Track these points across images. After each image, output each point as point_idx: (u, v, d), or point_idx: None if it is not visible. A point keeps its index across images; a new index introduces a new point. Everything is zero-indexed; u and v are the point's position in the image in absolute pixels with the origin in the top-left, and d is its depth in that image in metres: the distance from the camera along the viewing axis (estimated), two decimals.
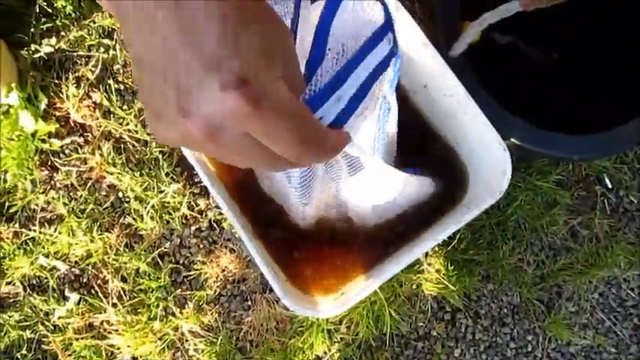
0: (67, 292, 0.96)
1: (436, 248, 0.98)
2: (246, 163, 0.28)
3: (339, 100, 0.41)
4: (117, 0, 0.25)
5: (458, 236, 0.97)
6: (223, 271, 0.97)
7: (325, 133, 0.31)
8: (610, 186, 1.05)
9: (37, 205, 0.97)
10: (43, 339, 0.96)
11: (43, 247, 0.96)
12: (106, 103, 0.97)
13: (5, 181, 0.96)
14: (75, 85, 0.97)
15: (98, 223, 0.96)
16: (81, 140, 0.98)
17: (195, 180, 0.97)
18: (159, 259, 0.97)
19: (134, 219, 0.96)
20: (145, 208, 0.96)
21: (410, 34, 0.62)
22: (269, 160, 0.28)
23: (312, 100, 0.39)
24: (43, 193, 0.97)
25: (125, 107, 0.98)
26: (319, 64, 0.44)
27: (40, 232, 0.97)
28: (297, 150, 0.28)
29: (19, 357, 0.96)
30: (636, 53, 0.87)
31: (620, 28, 0.86)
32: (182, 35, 0.24)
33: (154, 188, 0.96)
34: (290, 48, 0.29)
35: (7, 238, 0.97)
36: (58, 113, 0.97)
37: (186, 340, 0.96)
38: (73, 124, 0.98)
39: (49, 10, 0.97)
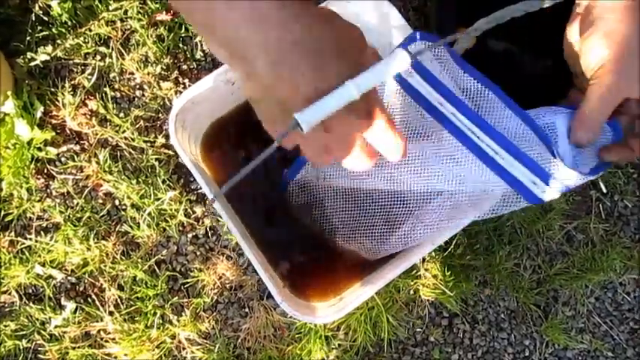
0: (63, 301, 0.96)
1: (433, 254, 0.98)
2: (350, 156, 0.41)
3: None
4: (246, 64, 0.35)
5: (454, 242, 0.97)
6: (220, 278, 0.96)
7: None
8: (605, 190, 1.05)
9: (32, 213, 0.97)
10: (40, 348, 0.96)
11: (39, 256, 0.96)
12: (102, 110, 0.97)
13: (1, 189, 0.96)
14: (71, 93, 0.97)
15: (94, 231, 0.96)
16: (77, 148, 0.98)
17: (192, 187, 0.97)
18: (156, 267, 0.96)
19: (131, 227, 0.96)
20: (142, 215, 0.96)
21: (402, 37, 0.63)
22: (364, 155, 0.42)
23: None
24: (39, 201, 0.97)
25: (121, 115, 0.98)
26: None
27: (36, 241, 0.96)
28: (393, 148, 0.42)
29: None
30: None
31: None
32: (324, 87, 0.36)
33: (150, 196, 0.96)
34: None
35: (3, 247, 0.96)
36: (54, 121, 0.97)
37: (184, 348, 0.96)
38: (69, 132, 0.98)
39: (45, 19, 0.97)
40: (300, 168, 0.64)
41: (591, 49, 0.53)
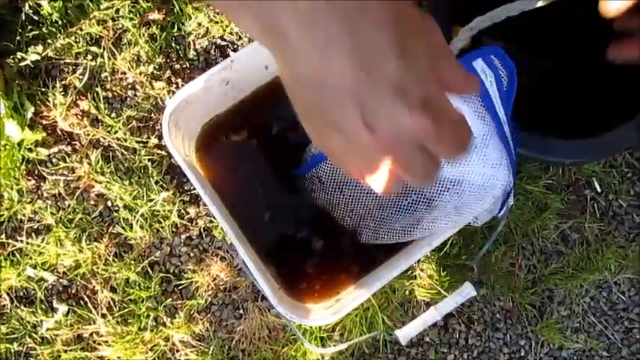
0: (55, 304, 0.95)
1: (428, 254, 0.97)
2: (407, 173, 0.31)
3: None
4: (276, 32, 0.27)
5: (450, 242, 0.97)
6: (214, 279, 0.95)
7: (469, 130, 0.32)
8: (599, 190, 1.05)
9: (24, 215, 0.95)
10: (31, 352, 0.95)
11: (31, 258, 0.95)
12: (93, 111, 0.96)
13: None
14: (62, 94, 0.96)
15: (87, 233, 0.95)
16: (68, 149, 0.97)
17: (185, 188, 0.96)
18: (149, 269, 0.95)
19: (123, 228, 0.95)
20: (135, 216, 0.95)
21: None
22: (426, 169, 0.31)
23: None
24: (30, 202, 0.95)
25: (113, 115, 0.96)
26: None
27: (28, 243, 0.95)
28: (462, 151, 0.30)
29: None
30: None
31: (609, 36, 0.87)
32: (363, 62, 0.27)
33: (143, 197, 0.95)
34: (448, 50, 0.31)
35: None
36: (45, 122, 0.96)
37: (177, 351, 0.95)
38: (60, 133, 0.97)
39: (36, 18, 0.96)
40: (319, 162, 0.64)
41: None
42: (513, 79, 0.62)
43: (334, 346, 0.76)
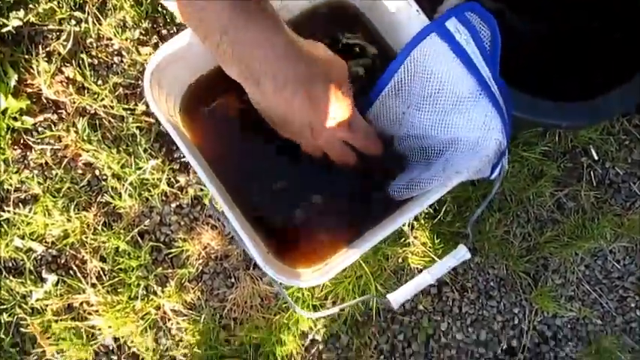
0: (44, 274, 0.94)
1: (422, 221, 0.96)
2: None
3: None
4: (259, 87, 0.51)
5: (444, 209, 0.96)
6: (205, 248, 0.94)
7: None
8: (596, 157, 1.04)
9: (10, 185, 0.94)
10: (22, 322, 0.94)
11: (18, 229, 0.93)
12: (79, 78, 0.94)
13: None
14: (46, 60, 0.94)
15: (75, 203, 0.93)
16: (54, 117, 0.94)
17: (175, 156, 0.94)
18: (138, 238, 0.94)
19: (112, 197, 0.93)
20: (123, 185, 0.93)
21: None
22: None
23: None
24: (16, 172, 0.94)
25: (100, 82, 0.94)
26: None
27: (15, 213, 0.93)
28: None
29: None
30: (621, 22, 0.85)
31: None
32: (313, 104, 0.52)
33: (131, 165, 0.93)
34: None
35: None
36: (29, 89, 0.94)
37: (169, 319, 0.94)
38: (45, 101, 0.94)
39: None
40: None
41: None
42: (496, 34, 0.59)
43: (327, 309, 0.75)
